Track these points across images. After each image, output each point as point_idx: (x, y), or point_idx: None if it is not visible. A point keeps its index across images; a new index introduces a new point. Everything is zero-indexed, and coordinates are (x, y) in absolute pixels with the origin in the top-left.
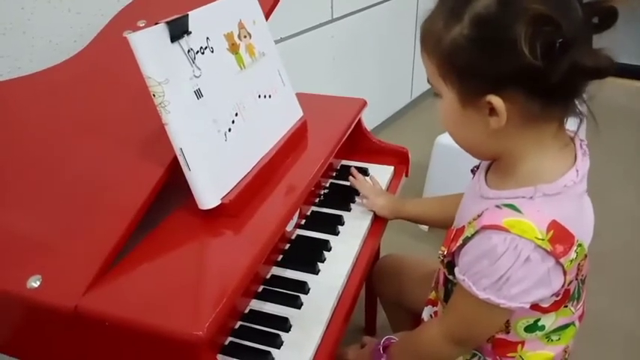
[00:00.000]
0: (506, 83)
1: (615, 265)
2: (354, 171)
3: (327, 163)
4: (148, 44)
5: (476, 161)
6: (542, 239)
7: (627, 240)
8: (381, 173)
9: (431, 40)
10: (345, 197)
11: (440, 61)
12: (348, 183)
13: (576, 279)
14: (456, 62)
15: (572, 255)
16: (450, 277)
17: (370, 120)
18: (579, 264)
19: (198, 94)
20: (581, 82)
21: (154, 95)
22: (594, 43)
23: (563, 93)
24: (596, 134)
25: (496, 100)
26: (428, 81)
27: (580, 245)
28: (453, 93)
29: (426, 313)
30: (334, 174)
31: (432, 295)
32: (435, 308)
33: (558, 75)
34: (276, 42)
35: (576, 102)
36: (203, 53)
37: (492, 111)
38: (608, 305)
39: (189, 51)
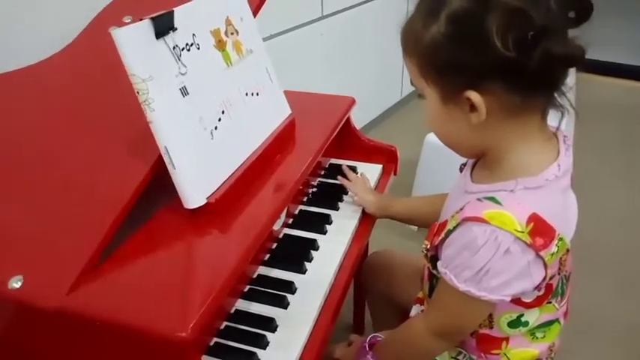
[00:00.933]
0: (484, 77)
1: (606, 260)
2: (345, 169)
3: (314, 161)
4: (132, 41)
5: (464, 161)
6: (522, 231)
7: (618, 236)
8: (370, 172)
9: (410, 41)
10: (333, 196)
11: (420, 60)
12: (336, 182)
13: (559, 274)
14: (435, 60)
15: (553, 249)
16: (434, 271)
17: (360, 118)
18: (561, 258)
19: (184, 91)
20: (556, 70)
21: (138, 93)
22: (584, 41)
23: (542, 84)
24: (587, 132)
25: (474, 96)
26: (411, 82)
27: (561, 239)
28: (435, 92)
29: (414, 312)
30: (323, 172)
31: (421, 293)
32: (423, 307)
33: (533, 65)
34: (266, 39)
35: (556, 95)
36: (189, 50)
37: (472, 107)
38: (600, 301)
39: (174, 48)
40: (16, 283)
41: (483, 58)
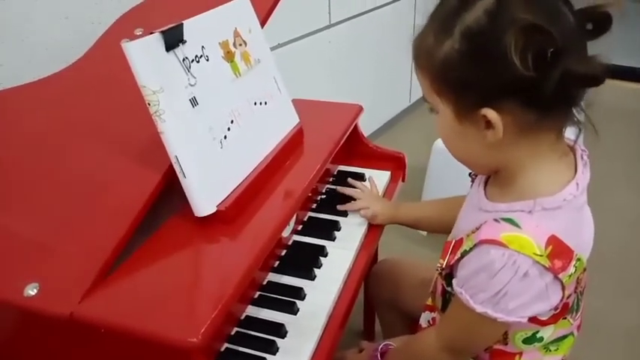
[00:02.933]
0: (501, 95)
1: (614, 265)
2: (351, 181)
3: (322, 169)
4: (143, 53)
5: None
6: (541, 255)
7: (626, 240)
8: (378, 178)
9: (423, 56)
10: (342, 202)
11: (433, 76)
12: (345, 188)
13: (575, 292)
14: (449, 77)
15: (571, 270)
16: (449, 288)
17: (369, 124)
18: (578, 277)
19: (194, 102)
20: (577, 90)
21: (149, 104)
22: (589, 46)
23: (560, 102)
24: (593, 136)
25: (491, 114)
26: (423, 98)
27: (579, 259)
28: (449, 108)
29: (423, 319)
30: (331, 179)
31: (430, 301)
32: (433, 314)
33: (551, 84)
34: (274, 48)
35: (574, 111)
36: (198, 62)
37: (488, 124)
38: (606, 305)
39: (184, 60)
40: (32, 291)
41: (500, 76)
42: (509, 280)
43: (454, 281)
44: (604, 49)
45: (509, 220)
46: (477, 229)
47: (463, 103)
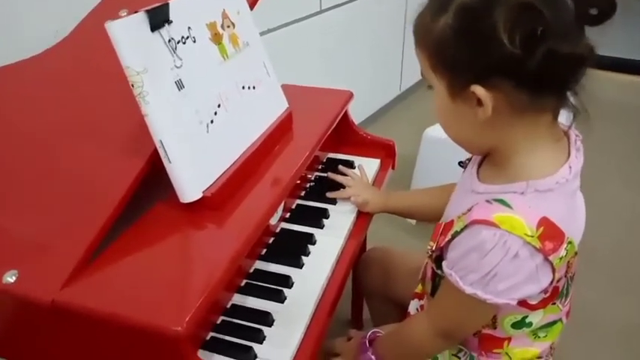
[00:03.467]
0: (491, 73)
1: (608, 260)
2: (341, 168)
3: (312, 155)
4: (127, 33)
5: (464, 154)
6: (532, 236)
7: (620, 235)
8: (368, 166)
9: (421, 33)
10: (331, 190)
11: (429, 52)
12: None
13: (565, 276)
14: (443, 53)
15: (562, 252)
16: (439, 271)
17: (359, 112)
18: (569, 261)
19: (179, 84)
20: (563, 70)
21: (132, 85)
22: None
23: (550, 83)
24: (589, 128)
25: (479, 90)
26: (421, 74)
27: (570, 243)
28: (443, 85)
29: (412, 307)
30: (320, 167)
31: (419, 288)
32: (422, 302)
33: (535, 62)
34: (264, 33)
35: (568, 94)
36: (184, 43)
37: (479, 102)
38: (600, 301)
39: (169, 40)
40: (10, 278)
41: (489, 53)
42: (500, 260)
43: (444, 263)
44: (604, 41)
45: (501, 201)
46: (469, 210)
47: (456, 81)
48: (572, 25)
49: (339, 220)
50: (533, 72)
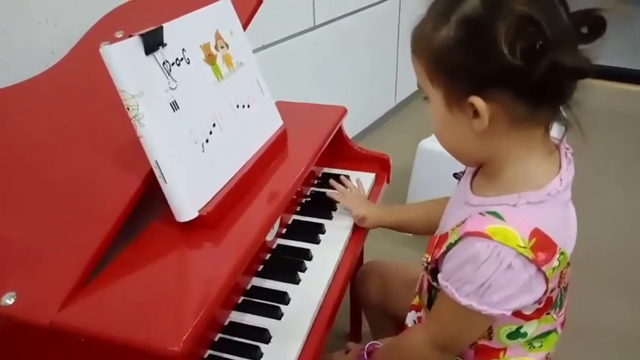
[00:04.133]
0: (490, 84)
1: (606, 266)
2: (333, 183)
3: (307, 171)
4: (122, 57)
5: (459, 166)
6: (524, 247)
7: (618, 241)
8: (363, 180)
9: (420, 43)
10: (326, 205)
11: (427, 62)
12: (329, 190)
13: (558, 287)
14: (443, 63)
15: (555, 263)
16: (434, 283)
17: (354, 126)
18: (561, 272)
19: (174, 106)
20: (564, 83)
21: (128, 109)
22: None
23: (549, 95)
24: (585, 137)
25: (478, 102)
26: (418, 85)
27: (562, 253)
28: (440, 95)
29: (409, 319)
30: (316, 182)
31: (416, 300)
32: (419, 314)
33: (538, 75)
34: (258, 49)
35: (561, 108)
36: (179, 65)
37: (476, 113)
38: (598, 306)
39: (164, 63)
40: (9, 300)
41: (490, 65)
42: (494, 271)
43: (439, 275)
44: (597, 50)
45: (494, 214)
46: (463, 222)
47: (454, 91)
48: (571, 37)
49: (336, 235)
50: (535, 84)
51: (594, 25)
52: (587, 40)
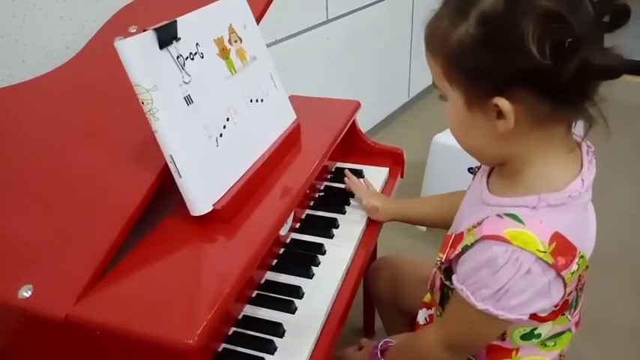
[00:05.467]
0: (514, 84)
1: (616, 264)
2: (347, 173)
3: (320, 166)
4: (136, 51)
5: (474, 161)
6: (544, 252)
7: (629, 239)
8: (376, 175)
9: (436, 40)
10: (339, 200)
11: (445, 62)
12: (343, 185)
13: (576, 289)
14: (462, 63)
15: (574, 267)
16: (447, 282)
17: (368, 120)
18: (580, 275)
19: (188, 100)
20: (592, 82)
21: (142, 103)
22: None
23: (574, 94)
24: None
25: (503, 103)
26: (433, 83)
27: (582, 257)
28: (459, 95)
29: (421, 316)
30: (329, 176)
31: (427, 297)
32: (430, 311)
33: (568, 75)
34: (271, 44)
35: (586, 105)
36: (193, 59)
37: (500, 114)
38: (610, 305)
39: (178, 57)
40: (26, 293)
41: (515, 64)
42: (512, 276)
43: (454, 277)
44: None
45: (513, 216)
46: (479, 223)
47: (475, 91)
48: (597, 33)
49: (349, 230)
50: (563, 83)
51: (617, 14)
52: (609, 30)
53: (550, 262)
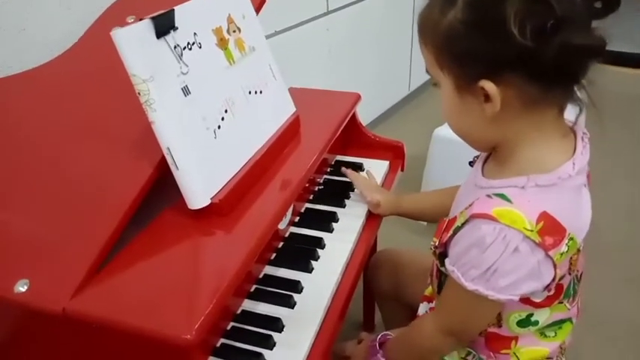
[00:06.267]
0: (501, 67)
1: (616, 257)
2: (348, 169)
3: (320, 158)
4: (132, 41)
5: (474, 154)
6: (531, 230)
7: (628, 232)
8: (377, 168)
9: (427, 28)
10: (339, 193)
11: (436, 48)
12: (342, 179)
13: (569, 274)
14: (451, 48)
15: (563, 248)
16: (442, 269)
17: (368, 113)
18: (571, 258)
19: (186, 91)
20: (577, 62)
21: (139, 93)
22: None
23: (561, 76)
24: (596, 124)
25: (489, 86)
26: (426, 71)
27: (572, 239)
28: (450, 80)
29: (422, 310)
30: (329, 170)
31: (428, 291)
32: (431, 304)
33: (550, 55)
34: (270, 35)
35: (575, 88)
36: (190, 49)
37: (487, 97)
38: (610, 299)
39: (175, 47)
40: (22, 287)
41: (500, 47)
42: (500, 255)
43: (447, 260)
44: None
45: (502, 196)
46: (470, 205)
47: (464, 75)
48: (582, 15)
49: (349, 224)
50: (546, 65)
51: (608, 0)
52: (600, 16)
53: (537, 241)
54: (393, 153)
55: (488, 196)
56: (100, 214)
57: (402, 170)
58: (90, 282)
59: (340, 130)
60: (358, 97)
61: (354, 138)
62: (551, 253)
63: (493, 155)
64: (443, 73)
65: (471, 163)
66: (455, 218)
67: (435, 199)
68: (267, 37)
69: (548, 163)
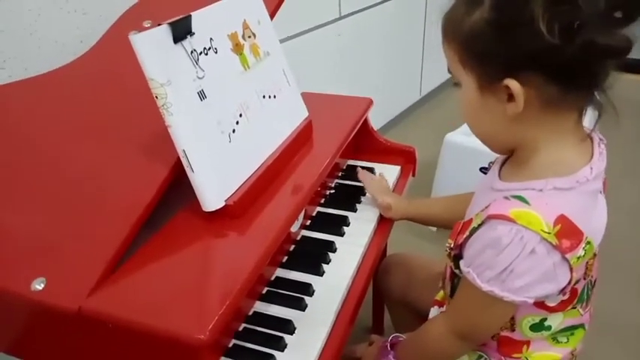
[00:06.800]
0: (524, 66)
1: (623, 260)
2: (362, 170)
3: (332, 163)
4: (151, 45)
5: (485, 160)
6: (549, 232)
7: (637, 236)
8: (388, 173)
9: (452, 27)
10: (351, 198)
11: (459, 46)
12: (354, 183)
13: (584, 279)
14: (475, 47)
15: (580, 252)
16: (457, 271)
17: (379, 118)
18: (587, 262)
19: (202, 95)
20: (599, 63)
21: (156, 97)
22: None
23: (583, 77)
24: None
25: (513, 84)
26: (448, 70)
27: (589, 243)
28: (472, 79)
29: (433, 314)
30: (340, 174)
31: (439, 295)
32: (442, 309)
33: (575, 54)
34: (283, 40)
35: (595, 93)
36: (207, 54)
37: (510, 97)
38: (620, 305)
39: (192, 52)
40: (39, 285)
41: (526, 46)
42: (516, 256)
43: (462, 262)
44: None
45: (519, 198)
46: (487, 207)
47: (486, 74)
48: (607, 17)
49: (360, 228)
50: (570, 63)
51: (629, 8)
52: (620, 25)
53: (554, 244)
54: (405, 158)
55: (506, 197)
56: (117, 214)
57: (414, 175)
58: (106, 282)
59: (352, 135)
60: (370, 103)
61: (365, 143)
62: (568, 256)
63: (512, 158)
64: (465, 72)
65: (482, 169)
66: (471, 220)
67: (446, 204)
68: (280, 41)
69: (567, 166)
